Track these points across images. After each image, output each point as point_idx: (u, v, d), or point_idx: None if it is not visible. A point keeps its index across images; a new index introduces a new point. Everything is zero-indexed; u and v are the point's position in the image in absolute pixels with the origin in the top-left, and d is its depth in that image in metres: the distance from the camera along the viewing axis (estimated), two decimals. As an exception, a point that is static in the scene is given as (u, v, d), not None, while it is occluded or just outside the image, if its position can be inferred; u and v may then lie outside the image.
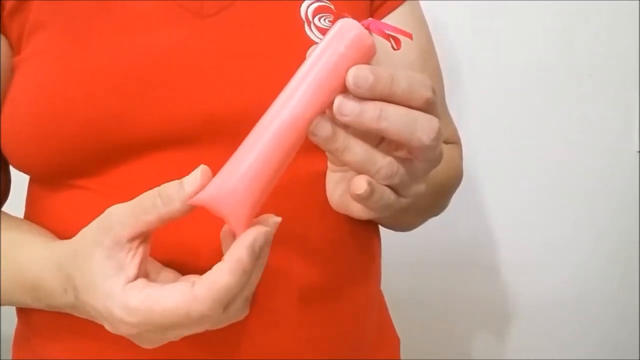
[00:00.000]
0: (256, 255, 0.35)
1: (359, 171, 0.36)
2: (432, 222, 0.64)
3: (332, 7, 0.51)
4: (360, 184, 0.36)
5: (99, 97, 0.44)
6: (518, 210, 1.06)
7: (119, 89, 0.44)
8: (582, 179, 1.05)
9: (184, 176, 0.44)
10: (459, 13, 1.01)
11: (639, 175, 1.06)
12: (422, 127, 0.34)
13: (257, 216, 0.37)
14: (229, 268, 0.34)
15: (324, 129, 0.34)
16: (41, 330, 0.49)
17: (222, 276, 0.34)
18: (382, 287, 0.58)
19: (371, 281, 0.54)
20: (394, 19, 0.56)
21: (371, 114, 0.33)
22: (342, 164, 0.42)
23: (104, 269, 0.37)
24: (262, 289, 0.45)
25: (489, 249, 1.07)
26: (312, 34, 0.49)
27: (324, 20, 0.50)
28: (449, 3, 0.99)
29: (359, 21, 0.35)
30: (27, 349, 0.51)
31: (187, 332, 0.38)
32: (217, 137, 0.45)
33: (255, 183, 0.34)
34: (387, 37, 0.35)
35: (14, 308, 0.53)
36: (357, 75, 0.33)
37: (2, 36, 0.49)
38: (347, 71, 0.33)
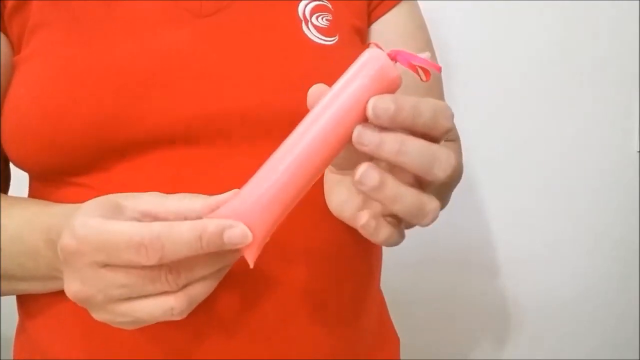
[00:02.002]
0: (222, 239, 0.33)
1: (407, 218, 0.35)
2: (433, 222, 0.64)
3: (329, 6, 0.51)
4: (362, 216, 0.35)
5: (100, 96, 0.44)
6: (518, 210, 1.06)
7: (120, 88, 0.44)
8: (582, 179, 1.05)
9: (183, 175, 0.44)
10: (459, 13, 1.01)
11: (639, 175, 1.06)
12: (440, 164, 0.34)
13: None
14: (191, 224, 0.33)
15: (372, 178, 0.33)
16: (39, 318, 0.49)
17: (180, 225, 0.33)
18: (382, 286, 0.58)
19: (371, 280, 0.54)
20: (392, 17, 0.56)
21: (390, 147, 0.32)
22: (342, 168, 0.41)
23: (96, 209, 0.35)
24: (260, 290, 0.45)
25: (488, 248, 1.07)
26: (309, 32, 0.49)
27: (322, 19, 0.50)
28: (450, 3, 0.99)
29: (386, 51, 0.34)
30: (27, 342, 0.51)
31: (123, 277, 0.34)
32: (218, 136, 0.45)
33: (268, 213, 0.34)
34: (415, 68, 0.34)
35: (15, 308, 0.53)
36: (377, 106, 0.32)
37: (3, 35, 0.49)
38: None
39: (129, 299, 0.35)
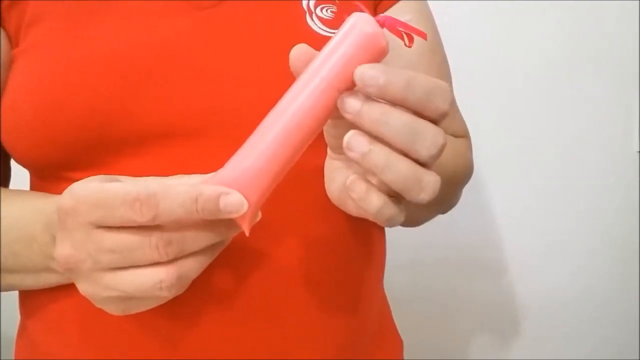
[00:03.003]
0: (218, 205, 0.33)
1: (402, 191, 0.33)
2: (434, 222, 0.64)
3: None
4: (350, 178, 0.34)
5: (98, 88, 0.43)
6: (519, 210, 1.06)
7: (119, 81, 0.44)
8: (582, 179, 1.05)
9: (182, 170, 0.44)
10: (463, 13, 1.01)
11: (639, 175, 1.06)
12: (424, 140, 0.32)
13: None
14: (188, 186, 0.33)
15: (359, 142, 0.32)
16: (38, 317, 0.49)
17: (177, 186, 0.33)
18: (385, 286, 0.58)
19: (369, 270, 0.53)
20: (400, 9, 0.56)
21: (371, 115, 0.32)
22: (341, 152, 0.40)
23: (96, 178, 0.36)
24: (258, 283, 0.45)
25: (490, 249, 1.07)
26: (313, 24, 0.48)
27: (326, 10, 0.50)
28: (454, 3, 0.99)
29: (374, 16, 0.34)
30: (28, 342, 0.50)
31: (115, 240, 0.34)
32: (219, 130, 0.44)
33: (258, 182, 0.34)
34: (400, 34, 0.34)
35: (15, 308, 0.53)
36: (365, 73, 0.32)
37: (1, 29, 0.48)
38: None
39: (117, 269, 0.34)
